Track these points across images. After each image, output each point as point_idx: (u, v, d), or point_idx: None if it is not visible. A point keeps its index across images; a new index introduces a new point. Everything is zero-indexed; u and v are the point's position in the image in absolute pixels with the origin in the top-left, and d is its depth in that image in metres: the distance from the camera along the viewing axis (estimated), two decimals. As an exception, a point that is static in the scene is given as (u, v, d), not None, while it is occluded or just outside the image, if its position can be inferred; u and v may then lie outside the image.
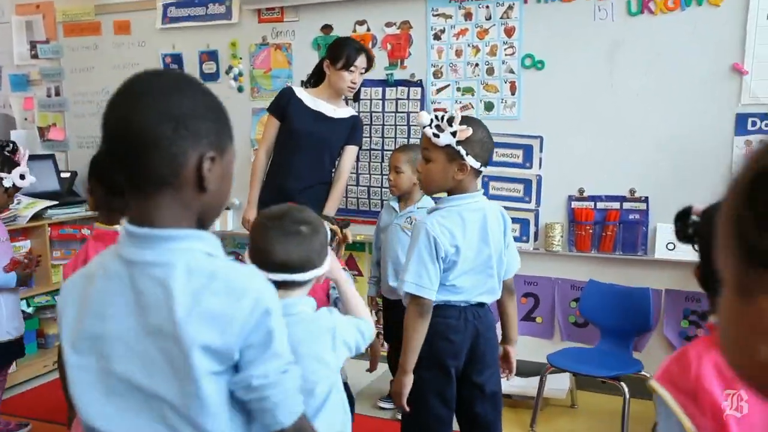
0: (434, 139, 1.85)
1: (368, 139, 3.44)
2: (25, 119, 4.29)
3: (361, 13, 3.39)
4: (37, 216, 3.39)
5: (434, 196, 2.17)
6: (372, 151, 3.44)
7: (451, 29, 3.25)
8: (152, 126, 0.92)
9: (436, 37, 3.28)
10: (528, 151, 3.17)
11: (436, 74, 3.30)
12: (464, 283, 1.91)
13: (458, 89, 3.28)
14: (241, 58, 3.67)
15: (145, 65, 3.84)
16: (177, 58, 3.80)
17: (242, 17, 3.63)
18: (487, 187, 3.25)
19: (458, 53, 3.25)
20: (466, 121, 1.85)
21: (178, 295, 0.91)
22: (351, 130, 3.08)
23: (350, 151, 3.10)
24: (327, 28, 3.48)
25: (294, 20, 3.54)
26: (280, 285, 1.35)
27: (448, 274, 1.89)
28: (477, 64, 3.22)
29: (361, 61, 2.98)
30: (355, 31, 3.42)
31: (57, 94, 4.18)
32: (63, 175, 4.05)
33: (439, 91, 3.31)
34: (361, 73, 3.03)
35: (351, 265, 3.61)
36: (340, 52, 2.97)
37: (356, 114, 3.17)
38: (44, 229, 3.44)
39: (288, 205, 1.52)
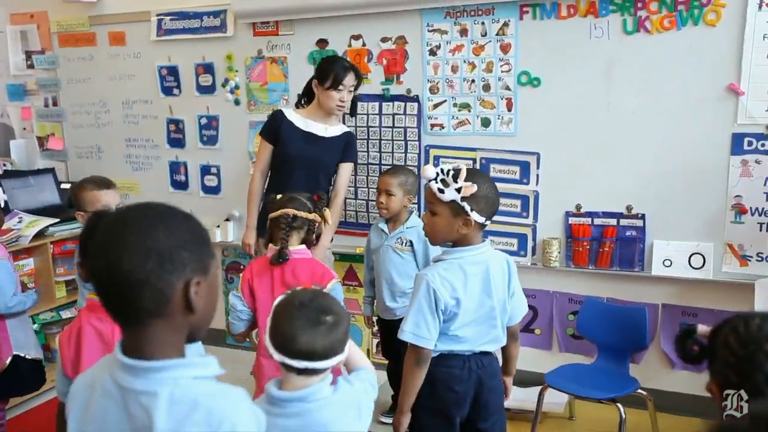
0: (439, 194, 1.85)
1: (365, 153, 3.42)
2: (24, 129, 4.26)
3: (357, 28, 3.34)
4: (39, 234, 3.39)
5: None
6: (369, 165, 3.42)
7: (447, 45, 3.20)
8: (139, 266, 0.96)
9: (432, 52, 3.23)
10: (525, 167, 3.16)
11: (433, 90, 3.27)
12: (467, 333, 1.92)
13: (455, 105, 3.25)
14: (237, 71, 3.63)
15: (141, 77, 3.83)
16: (173, 70, 3.76)
17: (237, 30, 3.57)
18: (484, 202, 3.24)
19: (454, 69, 3.21)
20: (471, 176, 1.84)
21: (159, 426, 0.96)
22: (345, 147, 3.06)
23: (345, 169, 3.08)
24: (322, 42, 3.43)
25: (289, 34, 3.48)
26: (301, 371, 1.38)
27: (449, 324, 1.90)
28: (473, 80, 3.19)
29: (349, 79, 2.95)
30: (350, 45, 3.37)
31: (54, 104, 4.15)
32: (63, 186, 4.04)
33: (435, 106, 3.28)
34: (350, 92, 3.00)
35: (350, 276, 3.62)
36: (327, 71, 2.94)
37: (349, 131, 3.14)
38: (47, 247, 3.43)
39: (313, 290, 1.50)
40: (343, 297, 2.37)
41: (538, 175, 3.14)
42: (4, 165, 4.14)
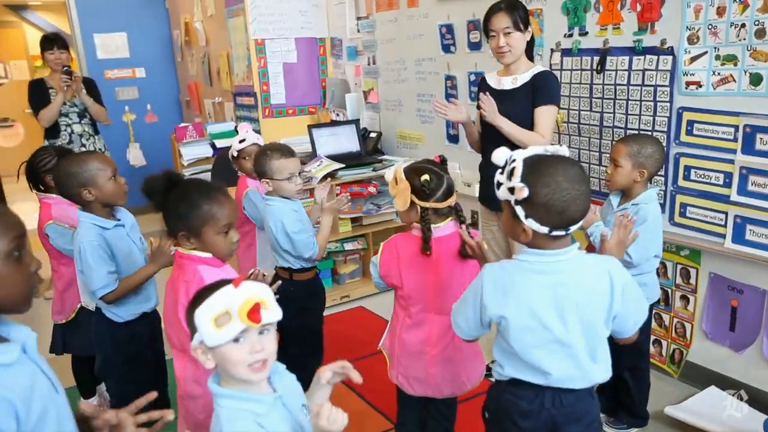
0: (496, 190, 1.48)
1: (611, 115, 2.83)
2: (356, 84, 4.73)
3: (612, -31, 2.73)
4: (329, 175, 3.77)
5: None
6: (615, 129, 2.83)
7: (714, -20, 2.39)
8: None
9: (694, -9, 2.46)
10: (805, 140, 2.21)
11: (691, 39, 2.49)
12: (538, 359, 1.48)
13: (717, 57, 2.42)
14: (502, 26, 3.34)
15: (428, 36, 3.85)
16: (450, 28, 3.67)
17: (501, -17, 3.27)
18: (744, 182, 2.40)
19: (720, 12, 2.38)
20: (532, 173, 1.39)
21: None
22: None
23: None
24: (576, -10, 2.91)
25: (546, -17, 3.05)
26: None
27: (509, 339, 1.49)
28: (743, 24, 2.32)
29: (497, 21, 2.52)
30: (604, -10, 2.78)
31: (374, 62, 4.48)
32: (372, 134, 4.40)
33: (693, 60, 2.50)
34: (507, 33, 2.52)
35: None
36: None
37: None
38: (333, 188, 3.82)
39: None
40: None
41: (820, 153, 2.17)
42: (337, 115, 4.69)
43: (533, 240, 1.44)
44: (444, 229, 1.90)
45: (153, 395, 1.34)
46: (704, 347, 2.72)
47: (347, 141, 4.19)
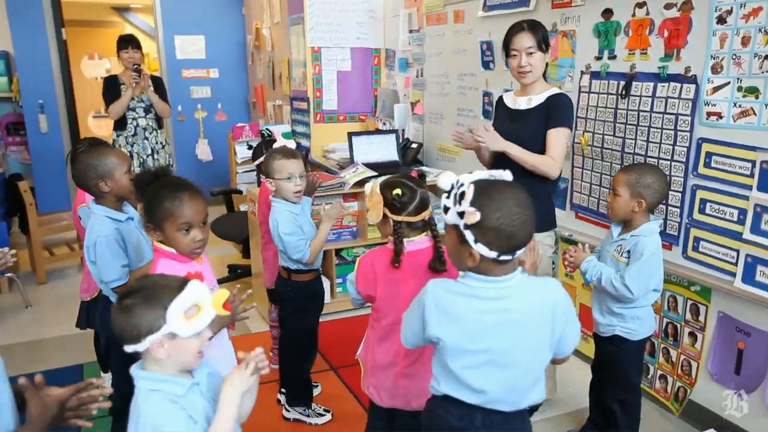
0: (443, 213, 1.46)
1: (633, 141, 2.73)
2: (404, 95, 4.76)
3: (643, -7, 2.63)
4: (362, 182, 3.82)
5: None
6: (636, 156, 2.72)
7: (741, 9, 2.25)
8: None
9: (721, 19, 2.33)
10: (822, 181, 2.06)
11: (715, 68, 2.37)
12: (472, 379, 1.44)
13: (739, 89, 2.29)
14: (537, 46, 3.28)
15: (470, 51, 3.84)
16: (489, 45, 3.63)
17: (539, 3, 3.22)
18: (758, 220, 2.25)
19: (745, 41, 2.25)
20: (481, 197, 1.36)
21: None
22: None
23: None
24: (607, 13, 2.82)
25: (580, 5, 2.96)
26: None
27: (446, 359, 1.47)
28: (767, 57, 2.18)
29: (519, 41, 2.45)
30: (634, 15, 2.68)
31: (421, 75, 4.49)
32: (413, 145, 4.41)
33: (715, 90, 2.37)
34: (530, 54, 2.45)
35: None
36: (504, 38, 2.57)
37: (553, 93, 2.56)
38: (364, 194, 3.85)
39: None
40: None
41: (837, 196, 2.01)
42: (384, 124, 4.74)
43: (479, 265, 1.41)
44: (418, 243, 1.89)
45: (93, 381, 1.45)
46: (708, 387, 2.56)
47: (386, 150, 4.22)
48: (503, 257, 1.38)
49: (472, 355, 1.44)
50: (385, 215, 1.86)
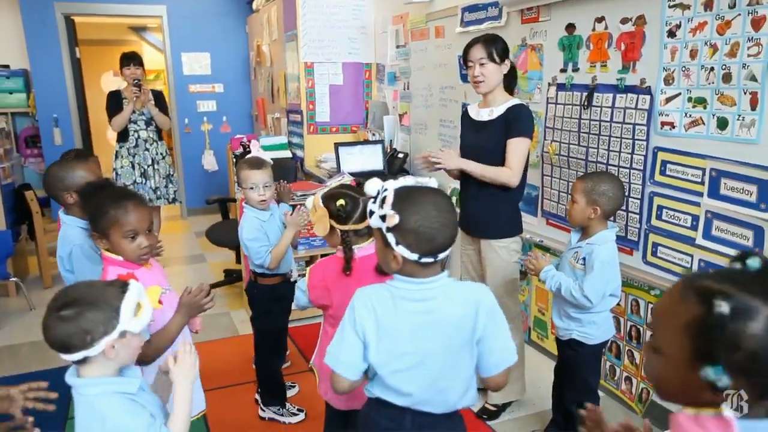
0: (368, 218, 1.49)
1: (595, 150, 2.76)
2: (393, 107, 4.81)
3: (601, 9, 2.67)
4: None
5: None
6: (598, 164, 2.75)
7: (688, 23, 2.29)
8: None
9: (671, 33, 2.36)
10: (765, 187, 2.07)
11: (667, 80, 2.39)
12: (400, 384, 1.46)
13: (689, 99, 2.32)
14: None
15: (450, 65, 3.88)
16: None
17: (510, 18, 3.26)
18: (709, 226, 2.27)
19: (693, 54, 2.28)
20: (402, 201, 1.39)
21: None
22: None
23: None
24: (570, 27, 2.86)
25: (546, 20, 3.01)
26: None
27: (373, 363, 1.48)
28: (712, 68, 2.21)
29: (472, 53, 2.54)
30: (594, 29, 2.72)
31: (408, 88, 4.55)
32: (399, 155, 4.46)
33: (668, 100, 2.40)
34: (482, 64, 2.51)
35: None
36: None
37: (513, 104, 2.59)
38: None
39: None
40: None
41: (779, 202, 2.02)
42: (373, 135, 4.80)
43: (404, 267, 1.43)
44: (367, 248, 1.93)
45: (41, 383, 1.51)
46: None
47: (372, 160, 4.29)
48: (424, 259, 1.40)
49: (399, 358, 1.46)
50: (332, 227, 1.91)
